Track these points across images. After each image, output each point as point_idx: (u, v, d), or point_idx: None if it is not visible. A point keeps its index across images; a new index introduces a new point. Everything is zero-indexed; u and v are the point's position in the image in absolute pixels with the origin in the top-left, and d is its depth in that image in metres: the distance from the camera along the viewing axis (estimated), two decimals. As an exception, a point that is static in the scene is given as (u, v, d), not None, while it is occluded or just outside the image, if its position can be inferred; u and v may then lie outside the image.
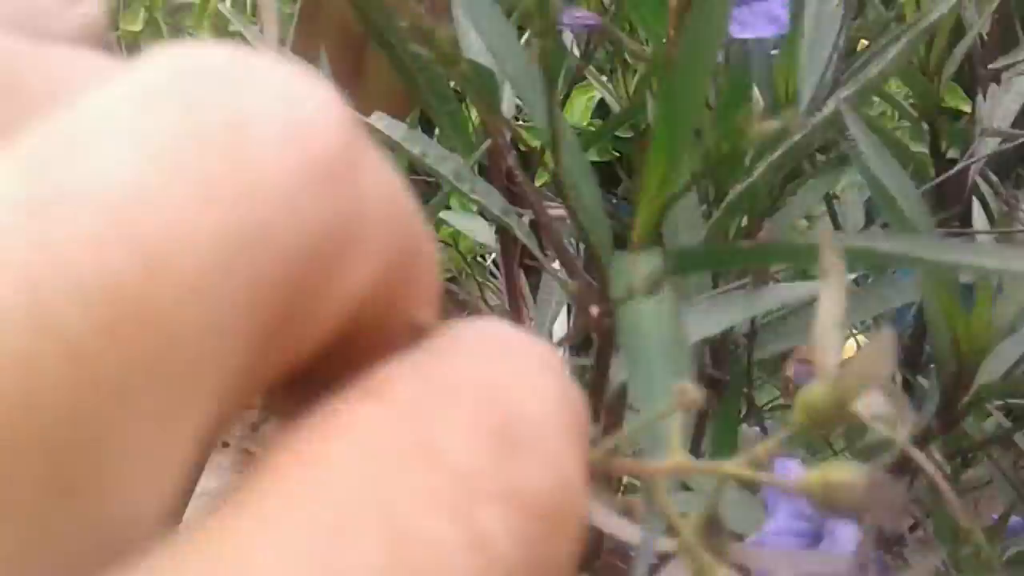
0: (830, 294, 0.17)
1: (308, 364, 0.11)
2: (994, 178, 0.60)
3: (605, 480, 0.16)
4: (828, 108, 0.47)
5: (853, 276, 0.78)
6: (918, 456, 0.17)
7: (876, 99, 1.04)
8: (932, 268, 0.35)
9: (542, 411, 0.11)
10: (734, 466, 0.17)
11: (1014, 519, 0.85)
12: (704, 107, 0.36)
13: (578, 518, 0.11)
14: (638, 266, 0.32)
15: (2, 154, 0.09)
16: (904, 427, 0.16)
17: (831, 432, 0.17)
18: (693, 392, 0.17)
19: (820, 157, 0.82)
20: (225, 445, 2.00)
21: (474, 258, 1.53)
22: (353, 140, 0.11)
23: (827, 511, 0.15)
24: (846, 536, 0.34)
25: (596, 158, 1.48)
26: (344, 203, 0.10)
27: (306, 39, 0.84)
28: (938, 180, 0.63)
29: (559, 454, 0.11)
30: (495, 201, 0.55)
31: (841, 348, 0.17)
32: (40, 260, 0.08)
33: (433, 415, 0.10)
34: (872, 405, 0.17)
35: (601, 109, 1.62)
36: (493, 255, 1.38)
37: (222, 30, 1.68)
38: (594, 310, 0.34)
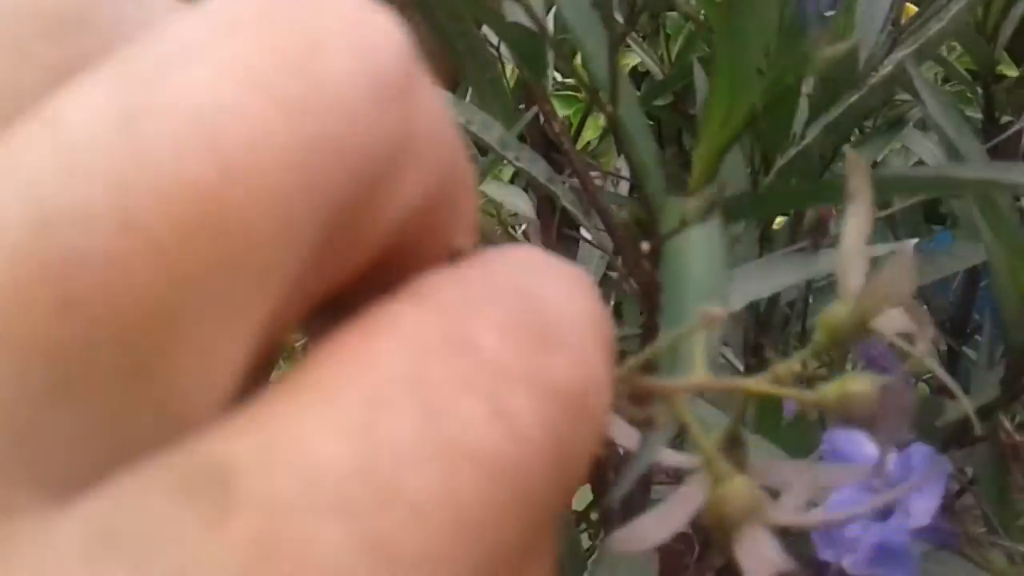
0: (856, 217, 0.17)
1: (349, 285, 0.12)
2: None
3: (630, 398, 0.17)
4: (886, 67, 0.45)
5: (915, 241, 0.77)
6: (938, 370, 0.18)
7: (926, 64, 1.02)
8: (980, 190, 0.33)
9: (572, 315, 0.12)
10: (756, 383, 0.17)
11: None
12: (766, 46, 0.34)
13: (601, 414, 0.12)
14: (692, 203, 0.31)
15: (90, 76, 0.10)
16: (924, 343, 0.16)
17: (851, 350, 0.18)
18: (718, 312, 0.16)
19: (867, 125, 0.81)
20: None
21: (504, 229, 1.52)
22: (412, 65, 0.11)
23: (843, 422, 0.16)
24: (922, 509, 0.33)
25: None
26: (403, 122, 0.11)
27: None
28: (992, 143, 0.61)
29: (587, 354, 0.12)
30: (541, 169, 0.54)
31: (864, 271, 0.17)
32: (128, 166, 0.09)
33: (469, 314, 0.11)
34: (893, 323, 0.17)
35: (634, 78, 1.60)
36: (524, 226, 1.37)
37: None
38: (645, 245, 0.33)
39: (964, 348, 0.83)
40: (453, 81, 0.76)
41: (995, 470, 0.53)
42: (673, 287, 0.27)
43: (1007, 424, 0.35)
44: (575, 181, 0.59)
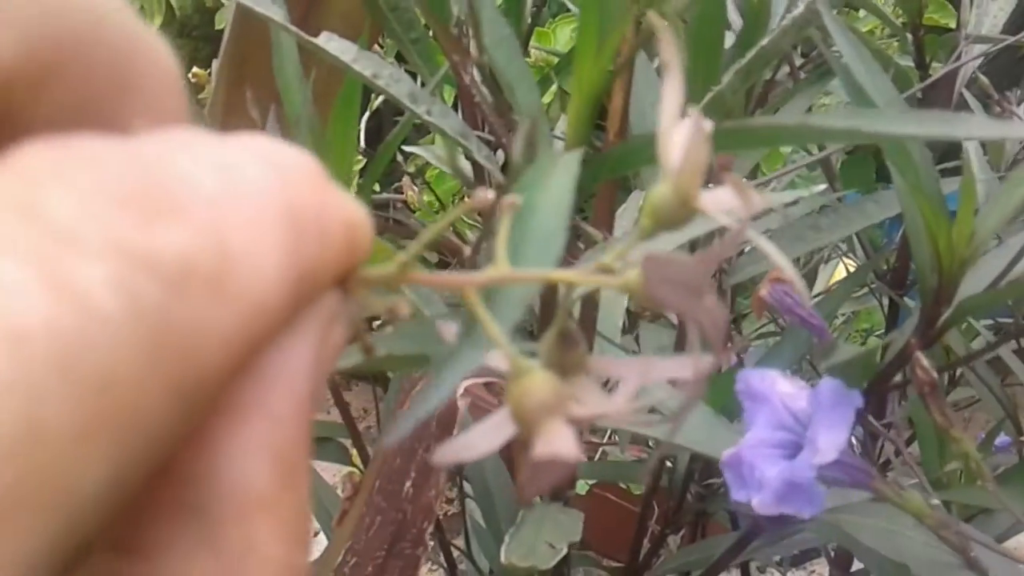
0: (670, 92, 0.17)
1: None
2: (985, 80, 0.57)
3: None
4: (798, 8, 0.44)
5: (838, 196, 0.76)
6: (764, 244, 0.16)
7: (864, 15, 1.01)
8: (889, 141, 0.32)
9: (218, 191, 0.12)
10: (565, 273, 0.17)
11: (1001, 438, 0.84)
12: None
13: (243, 296, 0.12)
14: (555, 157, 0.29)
15: None
16: (747, 217, 0.16)
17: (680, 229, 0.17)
18: (484, 194, 0.16)
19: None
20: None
21: (453, 199, 1.51)
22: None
23: (647, 302, 0.15)
24: (828, 443, 0.32)
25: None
26: None
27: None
28: (922, 87, 0.60)
29: (221, 231, 0.12)
30: (452, 123, 0.52)
31: (683, 146, 0.16)
32: None
33: (50, 180, 0.11)
34: (717, 199, 0.16)
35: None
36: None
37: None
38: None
39: (906, 299, 0.83)
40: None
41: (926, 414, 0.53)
42: (517, 228, 0.25)
43: (924, 362, 0.34)
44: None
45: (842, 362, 0.37)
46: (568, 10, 1.66)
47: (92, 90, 0.14)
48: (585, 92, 0.34)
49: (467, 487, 0.75)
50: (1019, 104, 0.79)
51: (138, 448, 0.11)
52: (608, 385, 0.18)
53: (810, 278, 1.04)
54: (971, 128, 0.25)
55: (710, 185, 0.17)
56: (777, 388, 0.35)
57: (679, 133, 0.17)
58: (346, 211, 0.15)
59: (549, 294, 0.41)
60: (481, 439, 0.16)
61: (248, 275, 0.12)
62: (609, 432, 1.26)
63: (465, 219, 1.37)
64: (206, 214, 0.12)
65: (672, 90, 0.17)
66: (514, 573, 0.42)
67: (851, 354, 0.39)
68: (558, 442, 0.15)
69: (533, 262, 0.29)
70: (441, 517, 0.85)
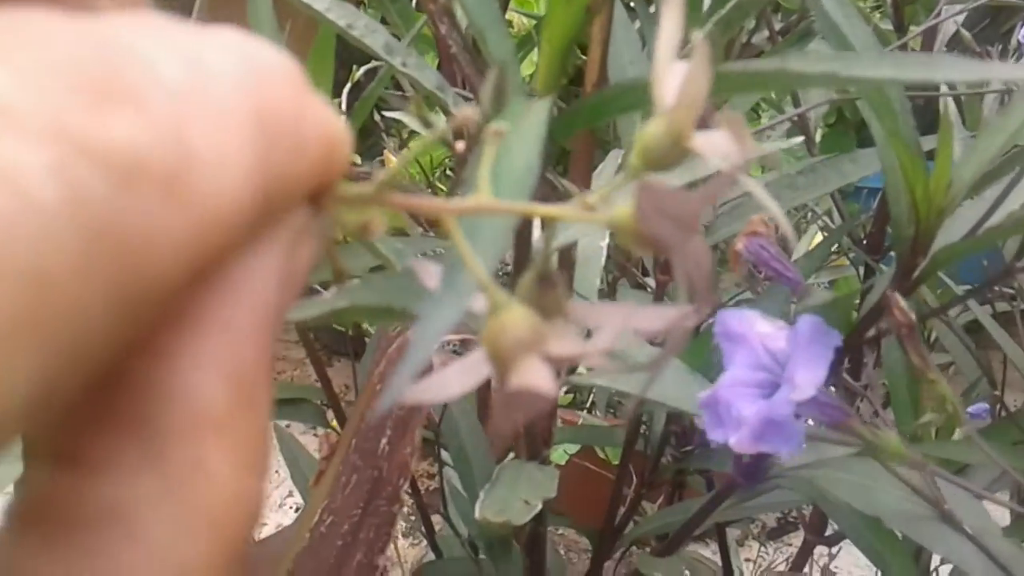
0: (668, 24, 0.16)
1: None
2: (967, 33, 0.56)
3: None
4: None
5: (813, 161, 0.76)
6: (755, 189, 0.16)
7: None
8: (867, 85, 0.32)
9: (178, 78, 0.11)
10: (548, 208, 0.16)
11: (977, 406, 0.84)
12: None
13: (200, 200, 0.11)
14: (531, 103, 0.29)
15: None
16: (741, 159, 0.15)
17: (670, 170, 0.16)
18: (469, 113, 0.16)
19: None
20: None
21: (443, 172, 1.50)
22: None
23: (637, 240, 0.15)
24: (805, 380, 0.32)
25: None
26: None
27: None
28: (899, 44, 0.60)
29: (182, 124, 0.11)
30: (428, 76, 0.51)
31: (680, 86, 0.16)
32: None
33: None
34: (711, 141, 0.16)
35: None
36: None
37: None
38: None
39: (882, 265, 0.83)
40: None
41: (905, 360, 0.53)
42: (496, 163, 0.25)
43: (901, 303, 0.34)
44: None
45: (819, 305, 0.37)
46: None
47: None
48: (557, 35, 0.33)
49: (445, 457, 0.75)
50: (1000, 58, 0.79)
51: (73, 351, 0.10)
52: (587, 333, 0.17)
53: (787, 244, 1.04)
54: (949, 70, 0.25)
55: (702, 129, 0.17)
56: (756, 328, 0.35)
57: (676, 66, 0.16)
58: (325, 122, 0.14)
59: (523, 243, 0.41)
60: (455, 379, 0.16)
61: (209, 179, 0.11)
62: (589, 403, 1.26)
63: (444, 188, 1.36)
64: (167, 107, 0.11)
65: (670, 21, 0.16)
66: (489, 529, 0.42)
67: (828, 297, 0.39)
68: (533, 376, 0.14)
69: (506, 199, 0.29)
70: (422, 492, 0.85)
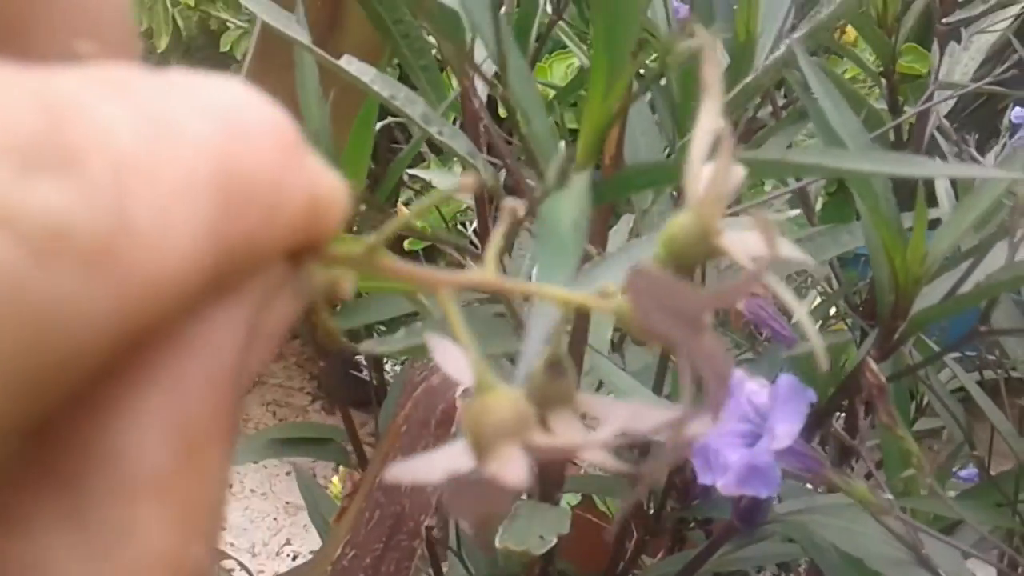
0: (707, 114, 0.16)
1: None
2: (946, 123, 0.62)
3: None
4: (779, 50, 0.49)
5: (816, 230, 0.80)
6: (782, 291, 0.16)
7: (844, 59, 1.06)
8: (852, 175, 0.36)
9: (130, 140, 0.10)
10: (553, 289, 0.16)
11: (969, 470, 0.88)
12: (638, 30, 0.37)
13: (134, 274, 0.10)
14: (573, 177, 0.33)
15: None
16: (768, 262, 0.15)
17: (695, 266, 0.16)
18: (477, 177, 0.17)
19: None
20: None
21: (455, 225, 1.55)
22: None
23: (639, 331, 0.15)
24: (783, 432, 0.37)
25: (574, 125, 1.50)
26: None
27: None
28: (892, 125, 0.65)
29: (124, 191, 0.10)
30: (461, 143, 0.57)
31: (711, 179, 0.16)
32: None
33: None
34: (742, 239, 0.16)
35: (582, 77, 1.64)
36: (475, 224, 1.40)
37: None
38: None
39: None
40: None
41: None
42: (540, 239, 0.30)
43: (873, 366, 0.38)
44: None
45: (806, 364, 0.42)
46: (564, 47, 1.72)
47: None
48: (593, 126, 0.38)
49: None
50: (990, 150, 0.84)
51: None
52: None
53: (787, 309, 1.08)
54: (921, 168, 0.29)
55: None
56: (743, 385, 0.40)
57: (707, 161, 0.16)
58: (312, 181, 0.13)
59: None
60: (440, 464, 0.15)
61: (146, 252, 0.10)
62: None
63: (454, 240, 1.41)
64: (108, 175, 0.10)
65: (708, 116, 0.16)
66: (509, 558, 0.46)
67: (804, 349, 0.43)
68: (505, 466, 0.14)
69: (550, 269, 0.33)
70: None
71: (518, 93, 0.37)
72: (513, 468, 0.14)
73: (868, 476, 0.66)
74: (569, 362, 0.16)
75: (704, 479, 0.39)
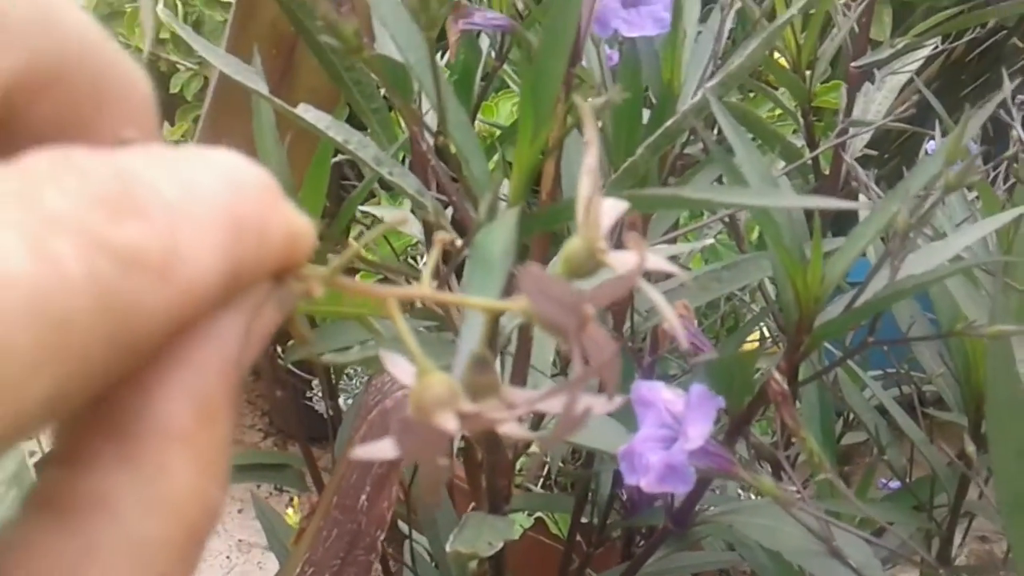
0: (589, 160, 0.20)
1: None
2: (852, 162, 0.67)
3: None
4: (697, 97, 0.54)
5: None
6: (650, 291, 0.19)
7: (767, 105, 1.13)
8: (719, 207, 0.41)
9: (173, 199, 0.15)
10: (472, 299, 0.20)
11: (895, 483, 0.93)
12: (558, 86, 0.42)
13: (176, 282, 0.15)
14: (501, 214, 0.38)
15: None
16: (638, 274, 0.18)
17: (588, 277, 0.20)
18: (446, 237, 0.20)
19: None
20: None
21: (405, 259, 1.59)
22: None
23: (536, 320, 0.18)
24: (695, 433, 0.41)
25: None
26: None
27: (240, 40, 0.89)
28: (808, 159, 0.71)
29: (171, 231, 0.15)
30: (410, 182, 0.61)
31: (585, 210, 0.19)
32: None
33: (48, 178, 0.14)
34: (621, 256, 0.19)
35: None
36: (425, 258, 1.45)
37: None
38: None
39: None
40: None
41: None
42: (471, 264, 0.34)
43: (776, 376, 0.43)
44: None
45: (723, 374, 0.46)
46: (509, 87, 1.78)
47: (75, 103, 0.17)
48: (523, 168, 0.43)
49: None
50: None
51: (79, 374, 0.14)
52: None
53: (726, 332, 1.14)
54: (794, 201, 0.34)
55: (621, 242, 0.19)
56: (661, 395, 0.45)
57: (594, 195, 0.20)
58: (289, 221, 0.18)
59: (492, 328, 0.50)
60: (392, 446, 0.18)
61: (188, 268, 0.15)
62: (544, 476, 1.34)
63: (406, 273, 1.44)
64: (163, 217, 0.15)
65: (590, 161, 0.20)
66: (457, 560, 0.50)
67: (726, 354, 0.48)
68: (442, 420, 0.17)
69: (479, 289, 0.38)
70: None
71: (457, 140, 0.42)
72: (447, 421, 0.17)
73: (779, 479, 0.71)
74: (492, 360, 0.20)
75: (630, 480, 0.44)
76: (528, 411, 0.19)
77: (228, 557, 1.85)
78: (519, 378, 0.60)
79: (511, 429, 0.19)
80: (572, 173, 0.67)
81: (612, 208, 0.21)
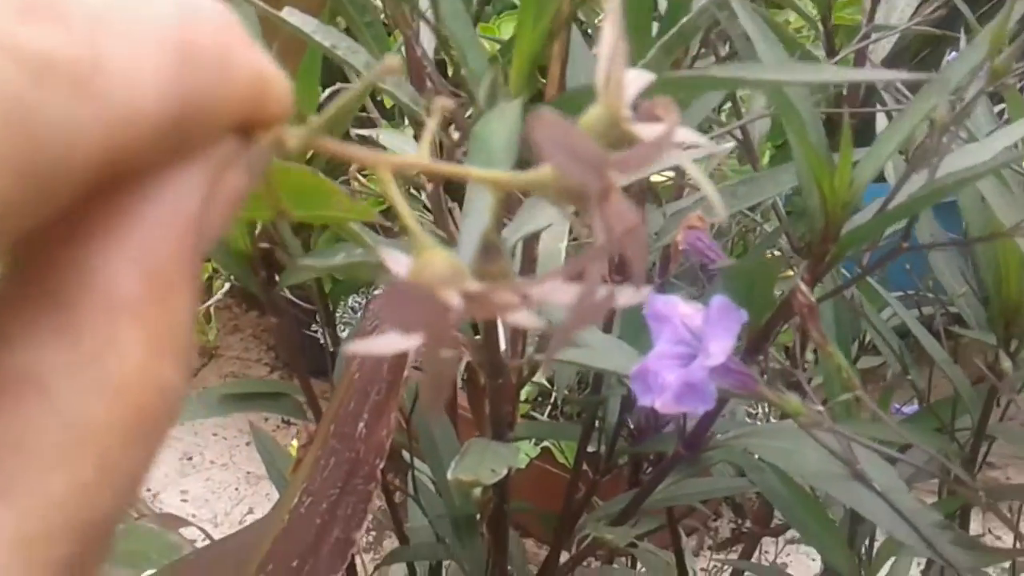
0: (610, 25, 0.18)
1: None
2: (873, 62, 0.63)
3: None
4: (713, -10, 0.50)
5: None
6: (694, 172, 0.18)
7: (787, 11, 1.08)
8: (769, 86, 0.38)
9: (102, 6, 0.13)
10: (475, 171, 0.17)
11: (911, 406, 0.91)
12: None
13: (108, 99, 0.13)
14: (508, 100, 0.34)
15: None
16: (669, 140, 0.16)
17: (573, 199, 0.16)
18: (446, 103, 0.18)
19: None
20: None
21: (408, 191, 1.56)
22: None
23: (560, 198, 0.16)
24: (717, 349, 0.38)
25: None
26: None
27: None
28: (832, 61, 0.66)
29: (96, 38, 0.13)
30: (404, 91, 0.57)
31: (607, 72, 0.17)
32: None
33: None
34: (649, 127, 0.17)
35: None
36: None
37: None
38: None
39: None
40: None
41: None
42: (471, 157, 0.31)
43: (803, 287, 0.40)
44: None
45: (743, 278, 0.43)
46: (514, 7, 1.72)
47: None
48: (524, 54, 0.39)
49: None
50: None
51: None
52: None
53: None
54: (830, 74, 0.31)
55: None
56: (678, 309, 0.41)
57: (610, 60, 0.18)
58: (256, 63, 0.15)
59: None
60: (394, 340, 0.16)
61: (119, 84, 0.13)
62: (551, 405, 1.32)
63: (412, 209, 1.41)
64: (84, 23, 0.13)
65: (612, 23, 0.18)
66: (464, 498, 0.47)
67: (744, 265, 0.45)
68: (445, 295, 0.15)
69: (478, 190, 0.35)
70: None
71: (454, 32, 0.38)
72: (451, 297, 0.15)
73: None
74: (501, 244, 0.18)
75: (644, 400, 0.40)
76: (541, 298, 0.16)
77: (236, 489, 1.85)
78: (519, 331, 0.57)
79: (522, 318, 0.17)
80: (577, 78, 0.63)
81: (636, 79, 0.18)
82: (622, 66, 0.18)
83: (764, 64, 0.36)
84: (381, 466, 0.59)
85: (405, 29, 0.57)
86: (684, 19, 0.52)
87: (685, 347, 0.40)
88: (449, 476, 0.48)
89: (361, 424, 0.62)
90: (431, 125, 0.18)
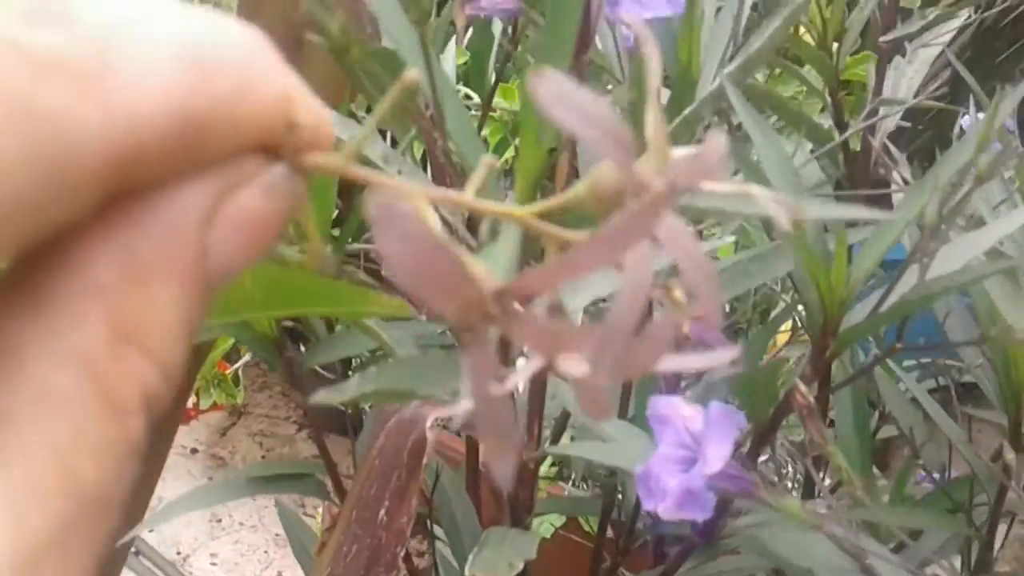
0: (652, 113, 0.17)
1: None
2: (875, 145, 0.64)
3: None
4: (715, 83, 0.51)
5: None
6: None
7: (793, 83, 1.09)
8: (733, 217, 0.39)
9: (115, 15, 0.13)
10: (505, 207, 0.17)
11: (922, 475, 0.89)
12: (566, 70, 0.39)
13: (114, 97, 0.13)
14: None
15: None
16: (666, 202, 0.15)
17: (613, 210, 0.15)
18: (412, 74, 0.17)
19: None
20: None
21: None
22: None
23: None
24: (715, 456, 0.39)
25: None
26: None
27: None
28: (839, 142, 0.67)
29: (105, 42, 0.13)
30: (418, 180, 0.59)
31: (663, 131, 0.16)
32: None
33: None
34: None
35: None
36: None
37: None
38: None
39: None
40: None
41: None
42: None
43: (802, 388, 0.40)
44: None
45: (746, 376, 0.43)
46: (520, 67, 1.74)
47: None
48: (528, 171, 0.40)
49: (438, 532, 0.80)
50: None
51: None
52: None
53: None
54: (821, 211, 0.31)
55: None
56: (679, 411, 0.42)
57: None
58: (283, 85, 0.15)
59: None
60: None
61: (126, 87, 0.13)
62: (574, 476, 1.31)
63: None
64: (94, 28, 0.13)
65: (652, 112, 0.17)
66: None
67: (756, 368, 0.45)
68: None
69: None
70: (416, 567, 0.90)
71: (458, 139, 0.39)
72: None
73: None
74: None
75: (647, 505, 0.41)
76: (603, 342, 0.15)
77: (266, 552, 1.85)
78: (538, 387, 0.57)
79: (573, 364, 0.16)
80: (588, 165, 0.64)
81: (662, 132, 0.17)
82: (663, 128, 0.16)
83: (755, 195, 0.37)
84: (402, 554, 0.59)
85: (417, 120, 0.59)
86: (687, 109, 0.53)
87: (686, 450, 0.41)
88: (467, 573, 0.48)
89: (382, 511, 0.62)
90: (480, 172, 0.17)
